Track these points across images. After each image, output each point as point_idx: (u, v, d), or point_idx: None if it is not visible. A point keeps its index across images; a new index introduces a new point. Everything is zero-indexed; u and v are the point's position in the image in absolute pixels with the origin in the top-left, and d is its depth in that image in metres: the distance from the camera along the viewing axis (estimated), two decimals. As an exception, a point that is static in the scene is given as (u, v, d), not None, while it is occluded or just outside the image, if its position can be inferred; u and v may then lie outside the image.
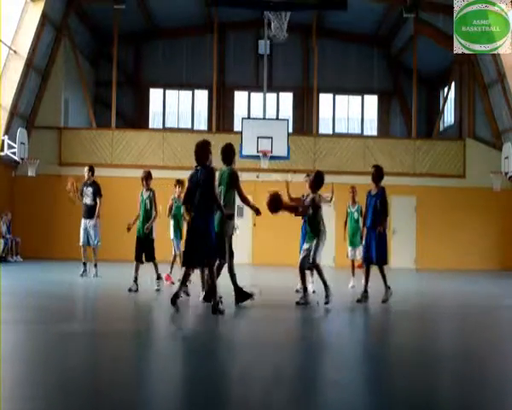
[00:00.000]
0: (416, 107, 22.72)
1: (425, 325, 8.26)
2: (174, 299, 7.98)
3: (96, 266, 13.35)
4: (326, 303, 9.01)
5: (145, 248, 10.85)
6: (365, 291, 9.74)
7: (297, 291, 10.39)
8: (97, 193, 13.29)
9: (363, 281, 9.94)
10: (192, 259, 8.01)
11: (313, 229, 9.34)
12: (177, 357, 5.59)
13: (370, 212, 9.87)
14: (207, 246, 7.86)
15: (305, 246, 9.45)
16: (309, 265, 9.33)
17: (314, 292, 10.68)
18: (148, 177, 11.07)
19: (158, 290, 10.64)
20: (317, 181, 9.44)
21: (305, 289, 9.36)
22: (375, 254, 9.73)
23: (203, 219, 7.91)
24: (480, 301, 11.54)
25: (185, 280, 8.35)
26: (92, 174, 13.40)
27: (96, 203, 13.31)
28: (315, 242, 9.25)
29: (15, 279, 13.22)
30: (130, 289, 10.44)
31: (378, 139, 23.50)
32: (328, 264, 21.06)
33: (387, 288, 9.69)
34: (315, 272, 9.64)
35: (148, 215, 10.91)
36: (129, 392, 4.26)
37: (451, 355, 5.98)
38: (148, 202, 10.92)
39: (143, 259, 10.84)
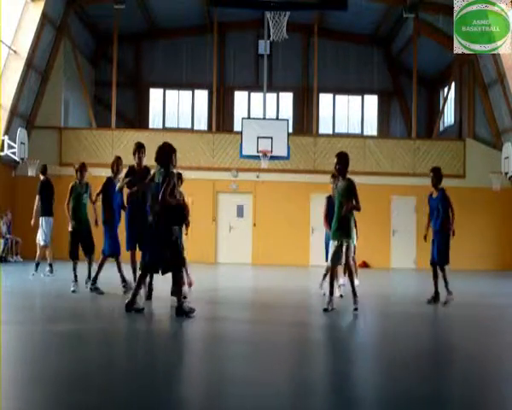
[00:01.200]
0: (415, 107, 22.71)
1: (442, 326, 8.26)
2: (130, 305, 7.83)
3: (37, 265, 13.12)
4: (355, 310, 8.49)
5: (85, 241, 10.55)
6: (436, 292, 9.92)
7: (324, 294, 9.79)
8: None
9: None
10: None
11: (345, 225, 8.57)
12: (178, 359, 5.59)
13: (435, 215, 10.03)
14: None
15: (334, 244, 8.69)
16: (339, 263, 8.74)
17: (342, 297, 10.21)
18: (82, 169, 10.86)
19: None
20: (344, 163, 8.65)
21: (331, 292, 8.71)
22: (437, 255, 9.93)
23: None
24: (485, 300, 11.54)
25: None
26: (41, 173, 13.27)
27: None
28: (347, 241, 8.55)
29: (15, 279, 13.21)
30: (73, 291, 10.17)
31: (378, 139, 23.48)
32: (329, 264, 21.07)
33: (449, 292, 9.81)
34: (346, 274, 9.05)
35: (84, 208, 10.68)
36: (129, 391, 4.25)
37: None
38: (85, 195, 10.72)
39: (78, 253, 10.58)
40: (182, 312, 7.63)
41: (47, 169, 13.39)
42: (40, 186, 13.08)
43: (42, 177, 13.24)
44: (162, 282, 9.00)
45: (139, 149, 10.03)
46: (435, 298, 9.97)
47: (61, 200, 22.19)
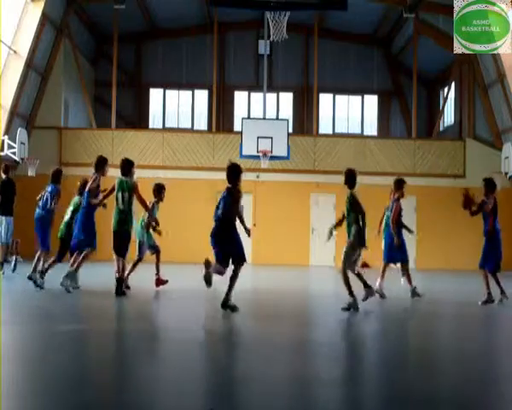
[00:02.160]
0: (415, 107, 22.70)
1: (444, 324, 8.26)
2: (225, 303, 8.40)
3: (1, 264, 13.38)
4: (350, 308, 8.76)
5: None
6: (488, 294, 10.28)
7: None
8: None
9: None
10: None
11: (349, 229, 9.04)
12: (179, 357, 5.58)
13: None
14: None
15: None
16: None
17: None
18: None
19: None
20: (346, 178, 9.21)
21: (351, 292, 8.92)
22: (482, 260, 10.51)
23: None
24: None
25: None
26: (3, 172, 13.44)
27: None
28: (346, 245, 8.96)
29: (15, 279, 13.21)
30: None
31: (378, 139, 23.48)
32: (329, 264, 21.08)
33: (502, 292, 10.33)
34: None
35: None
36: (127, 391, 4.25)
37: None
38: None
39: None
40: (227, 306, 8.27)
41: (9, 169, 13.56)
42: (1, 186, 13.20)
43: (3, 176, 13.33)
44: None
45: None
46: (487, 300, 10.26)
47: (60, 200, 22.17)
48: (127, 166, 10.46)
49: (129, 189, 10.25)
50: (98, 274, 13.60)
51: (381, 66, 26.39)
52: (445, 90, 24.38)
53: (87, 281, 12.60)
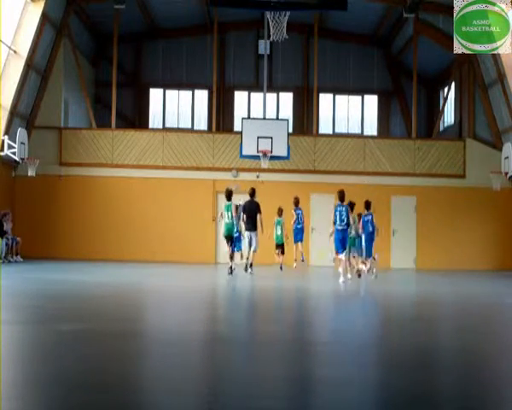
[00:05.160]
0: (415, 107, 22.71)
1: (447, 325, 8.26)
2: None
3: None
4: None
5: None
6: None
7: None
8: None
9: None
10: None
11: None
12: (178, 357, 5.58)
13: None
14: None
15: None
16: None
17: None
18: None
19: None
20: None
21: None
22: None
23: None
24: (487, 300, 11.55)
25: None
26: None
27: None
28: None
29: (15, 279, 13.22)
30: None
31: (378, 139, 23.48)
32: (329, 264, 21.06)
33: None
34: None
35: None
36: (127, 391, 4.25)
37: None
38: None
39: None
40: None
41: None
42: None
43: None
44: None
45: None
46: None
47: (60, 200, 22.14)
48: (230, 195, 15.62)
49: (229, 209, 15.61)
50: (96, 273, 13.59)
51: (381, 66, 26.39)
52: (445, 90, 24.39)
53: (87, 280, 12.61)
